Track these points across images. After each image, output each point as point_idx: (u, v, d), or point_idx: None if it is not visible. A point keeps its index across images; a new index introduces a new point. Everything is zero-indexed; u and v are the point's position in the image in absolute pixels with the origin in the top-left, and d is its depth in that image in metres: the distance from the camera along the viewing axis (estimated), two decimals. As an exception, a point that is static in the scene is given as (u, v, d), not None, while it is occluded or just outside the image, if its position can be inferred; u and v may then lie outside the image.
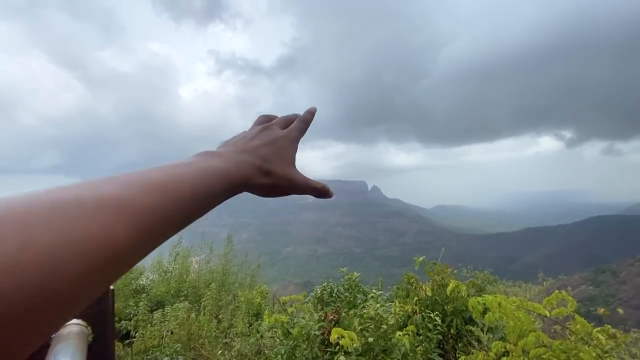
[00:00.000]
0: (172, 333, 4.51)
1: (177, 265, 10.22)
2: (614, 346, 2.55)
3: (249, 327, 6.37)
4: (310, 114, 0.64)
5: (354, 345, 2.68)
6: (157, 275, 10.63)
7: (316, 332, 3.37)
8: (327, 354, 3.35)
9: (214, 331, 5.44)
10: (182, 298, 7.61)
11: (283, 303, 4.16)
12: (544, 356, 2.64)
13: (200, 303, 6.43)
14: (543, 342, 2.70)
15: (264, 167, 0.51)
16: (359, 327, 3.11)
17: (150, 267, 10.96)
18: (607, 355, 2.57)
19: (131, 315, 5.42)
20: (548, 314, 2.66)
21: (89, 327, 0.80)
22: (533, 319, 2.77)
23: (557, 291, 2.96)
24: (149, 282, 10.63)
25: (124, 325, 5.27)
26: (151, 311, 5.94)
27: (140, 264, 11.32)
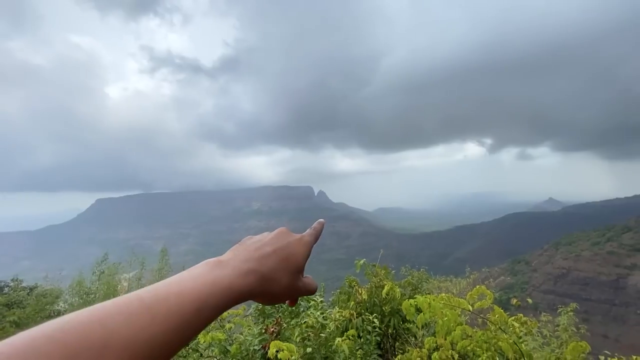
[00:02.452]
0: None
1: (102, 285, 9.10)
2: (526, 332, 2.88)
3: (185, 348, 5.89)
4: (320, 224, 0.70)
5: (293, 357, 2.61)
6: (77, 298, 9.33)
7: (256, 347, 3.22)
8: (269, 368, 3.22)
9: (144, 356, 4.90)
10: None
11: (221, 319, 3.91)
12: (469, 347, 2.85)
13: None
14: (468, 334, 2.93)
15: (268, 280, 0.54)
16: (299, 338, 3.05)
17: (69, 288, 9.58)
18: (521, 340, 2.88)
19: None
20: (471, 309, 2.89)
21: None
22: (459, 314, 2.99)
23: (477, 286, 3.24)
24: (67, 307, 9.28)
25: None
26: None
27: (56, 286, 9.84)
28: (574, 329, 5.53)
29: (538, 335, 5.62)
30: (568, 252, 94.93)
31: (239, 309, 4.14)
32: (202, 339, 3.60)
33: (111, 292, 8.94)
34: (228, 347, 3.46)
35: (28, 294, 9.03)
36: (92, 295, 9.26)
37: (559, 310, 5.80)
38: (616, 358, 2.42)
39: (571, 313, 5.66)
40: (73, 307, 9.04)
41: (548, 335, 5.69)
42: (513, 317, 2.90)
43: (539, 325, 3.44)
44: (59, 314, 8.60)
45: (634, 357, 2.47)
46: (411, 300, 2.60)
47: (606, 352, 2.59)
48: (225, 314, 4.08)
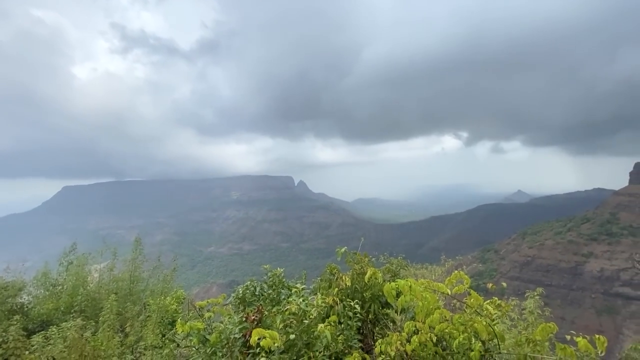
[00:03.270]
0: None
1: (70, 277, 8.68)
2: (500, 315, 3.03)
3: (162, 338, 5.75)
4: None
5: (276, 344, 2.60)
6: (42, 290, 8.85)
7: (236, 335, 3.18)
8: (249, 355, 3.20)
9: (117, 348, 4.74)
10: (75, 314, 6.47)
11: (199, 308, 3.83)
12: (446, 330, 2.95)
13: (99, 318, 5.55)
14: (446, 317, 3.02)
15: None
16: (282, 325, 3.04)
17: (34, 280, 9.06)
18: (494, 322, 3.01)
19: (0, 342, 4.37)
20: (449, 292, 2.98)
21: None
22: (438, 298, 3.09)
23: (456, 271, 3.35)
24: (31, 299, 8.79)
25: (-12, 357, 4.17)
26: (31, 334, 4.89)
27: (20, 278, 9.28)
28: (539, 311, 5.89)
29: (506, 318, 5.96)
30: (533, 241, 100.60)
31: (219, 297, 4.07)
32: (179, 328, 3.51)
33: (80, 284, 8.56)
34: (207, 336, 3.39)
35: (-13, 286, 8.39)
36: (60, 287, 8.83)
37: (527, 295, 6.16)
38: (581, 337, 2.56)
39: (537, 297, 6.02)
40: (37, 300, 8.60)
41: (516, 318, 6.03)
42: (488, 301, 3.03)
43: (510, 309, 3.61)
44: (22, 307, 8.15)
45: (597, 335, 2.63)
46: (392, 284, 2.66)
47: (572, 332, 2.74)
48: (204, 302, 4.01)
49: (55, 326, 4.41)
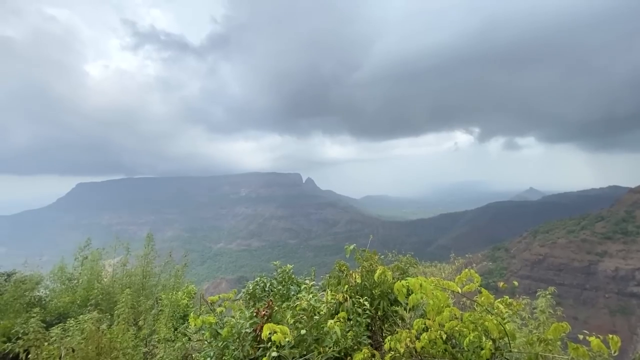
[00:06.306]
0: (73, 351, 3.87)
1: (85, 271, 8.91)
2: (510, 313, 3.02)
3: (174, 332, 5.88)
4: None
5: (287, 339, 2.65)
6: (59, 284, 9.11)
7: (247, 330, 3.24)
8: (260, 350, 3.26)
9: (132, 341, 4.88)
10: (91, 308, 6.66)
11: (211, 303, 3.91)
12: (456, 328, 2.95)
13: (114, 311, 5.72)
14: (456, 316, 3.03)
15: None
16: (292, 320, 3.09)
17: (50, 274, 9.33)
18: (505, 321, 3.00)
19: (21, 334, 4.54)
20: (460, 290, 2.98)
21: None
22: (448, 296, 3.09)
23: (466, 270, 3.34)
24: (48, 293, 9.06)
25: (9, 348, 4.38)
26: (49, 326, 5.07)
27: (37, 272, 9.58)
28: (551, 310, 5.81)
29: (517, 317, 5.90)
30: (545, 240, 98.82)
31: (230, 292, 4.15)
32: (192, 322, 3.59)
33: (95, 278, 8.78)
34: (219, 331, 3.47)
35: (6, 280, 8.78)
36: (75, 281, 9.07)
37: (538, 294, 6.08)
38: (594, 337, 2.54)
39: (549, 296, 5.93)
40: (54, 293, 8.86)
41: (527, 317, 5.96)
42: (499, 300, 3.02)
43: (521, 308, 3.55)
44: (40, 300, 8.41)
45: (610, 335, 2.60)
46: (403, 282, 2.67)
47: (585, 331, 2.71)
48: (216, 297, 4.09)
49: (72, 319, 4.56)
